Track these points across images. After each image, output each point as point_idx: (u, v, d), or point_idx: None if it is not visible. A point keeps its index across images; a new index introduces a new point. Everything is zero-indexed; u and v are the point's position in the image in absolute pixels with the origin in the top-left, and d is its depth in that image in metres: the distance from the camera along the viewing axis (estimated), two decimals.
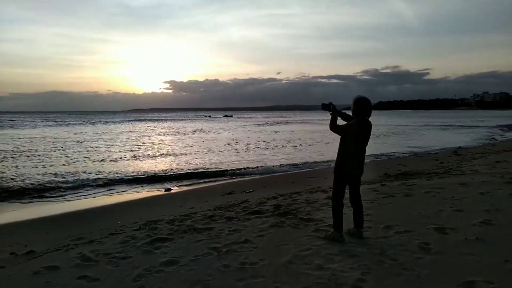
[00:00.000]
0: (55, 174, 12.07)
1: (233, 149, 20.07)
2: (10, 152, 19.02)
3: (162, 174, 12.30)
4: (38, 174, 12.16)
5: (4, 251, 5.05)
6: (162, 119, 69.49)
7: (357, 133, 4.14)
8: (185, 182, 11.06)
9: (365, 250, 3.95)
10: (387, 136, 29.43)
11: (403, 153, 17.05)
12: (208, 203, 7.57)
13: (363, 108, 4.13)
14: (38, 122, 62.49)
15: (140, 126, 49.47)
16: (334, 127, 4.16)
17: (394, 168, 11.20)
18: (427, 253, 3.83)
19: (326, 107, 4.24)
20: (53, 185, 10.15)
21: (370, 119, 4.21)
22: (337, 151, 4.29)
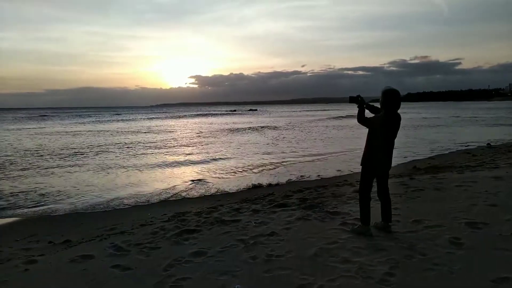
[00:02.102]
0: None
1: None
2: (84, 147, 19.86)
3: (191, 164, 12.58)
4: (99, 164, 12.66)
5: (42, 240, 5.33)
6: (201, 114, 66.85)
7: (385, 125, 4.06)
8: (214, 174, 11.22)
9: (393, 244, 3.90)
10: (416, 128, 28.61)
11: (434, 147, 16.54)
12: (234, 196, 7.66)
13: (392, 100, 4.04)
14: (97, 117, 64.60)
15: (188, 122, 47.13)
16: (362, 119, 4.12)
17: (424, 162, 10.92)
18: (458, 248, 3.74)
19: (354, 99, 4.21)
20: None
21: (399, 111, 4.12)
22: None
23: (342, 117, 50.40)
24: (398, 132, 4.15)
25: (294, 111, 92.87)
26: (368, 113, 4.21)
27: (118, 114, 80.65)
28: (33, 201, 8.09)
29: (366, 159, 4.18)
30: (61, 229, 5.99)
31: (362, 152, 4.26)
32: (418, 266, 3.38)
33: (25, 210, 7.41)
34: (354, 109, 4.43)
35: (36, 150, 17.94)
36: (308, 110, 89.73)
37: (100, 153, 16.66)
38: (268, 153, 15.70)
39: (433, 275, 3.20)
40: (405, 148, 15.35)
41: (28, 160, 14.69)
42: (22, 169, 12.36)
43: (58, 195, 8.63)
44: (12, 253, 4.66)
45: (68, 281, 3.47)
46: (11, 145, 20.91)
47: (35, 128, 37.68)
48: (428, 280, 3.13)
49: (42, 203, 7.91)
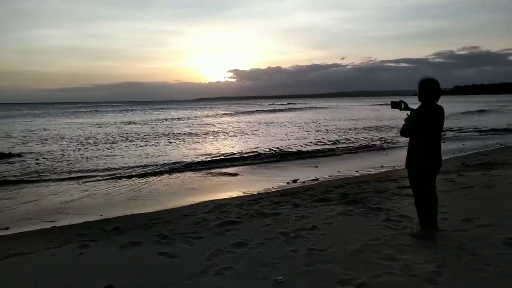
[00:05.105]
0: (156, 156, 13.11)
1: None
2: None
3: (229, 157, 12.81)
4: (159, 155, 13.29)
5: (94, 226, 5.66)
6: (254, 111, 58.02)
7: (425, 120, 3.73)
8: (251, 167, 11.33)
9: (440, 242, 3.77)
10: (460, 120, 27.10)
11: (483, 142, 15.58)
12: (274, 190, 7.70)
13: (430, 89, 3.72)
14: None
15: (250, 118, 41.27)
16: (405, 134, 3.83)
17: (474, 158, 10.35)
18: None
19: (396, 105, 3.89)
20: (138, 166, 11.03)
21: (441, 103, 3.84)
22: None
23: None
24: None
25: (352, 105, 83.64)
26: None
27: (175, 109, 78.75)
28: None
29: (409, 160, 3.90)
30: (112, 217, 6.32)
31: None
32: (468, 266, 3.24)
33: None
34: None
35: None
36: (367, 104, 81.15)
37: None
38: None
39: (484, 276, 3.06)
40: (452, 142, 14.62)
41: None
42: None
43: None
44: (67, 237, 5.00)
45: (119, 265, 3.68)
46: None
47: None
48: (478, 281, 3.00)
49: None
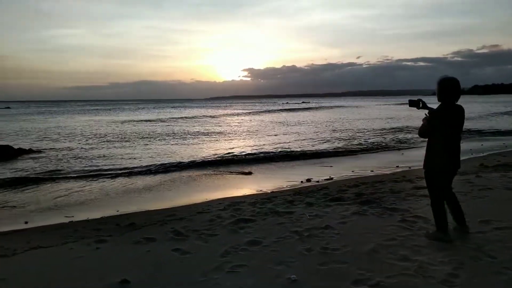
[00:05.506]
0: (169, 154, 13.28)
1: None
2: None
3: (242, 157, 12.83)
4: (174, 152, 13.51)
5: (110, 222, 5.76)
6: (269, 110, 56.13)
7: (445, 120, 3.64)
8: (265, 166, 11.33)
9: (457, 244, 3.70)
10: (479, 121, 26.49)
11: (503, 143, 15.19)
12: (287, 188, 7.69)
13: (449, 89, 3.63)
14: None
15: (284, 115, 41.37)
16: (424, 135, 3.76)
17: (492, 158, 10.11)
18: None
19: (414, 103, 3.83)
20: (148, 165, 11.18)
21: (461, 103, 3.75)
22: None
23: None
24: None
25: (378, 104, 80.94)
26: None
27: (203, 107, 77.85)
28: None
29: (427, 162, 3.82)
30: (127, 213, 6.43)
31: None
32: (486, 269, 3.17)
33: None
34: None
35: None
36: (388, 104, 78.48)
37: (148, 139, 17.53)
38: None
39: (503, 279, 2.99)
40: (469, 142, 14.32)
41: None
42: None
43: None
44: (84, 232, 5.10)
45: (134, 260, 3.74)
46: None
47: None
48: (497, 284, 2.93)
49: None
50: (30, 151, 14.45)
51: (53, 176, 9.98)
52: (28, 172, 10.52)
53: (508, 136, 17.63)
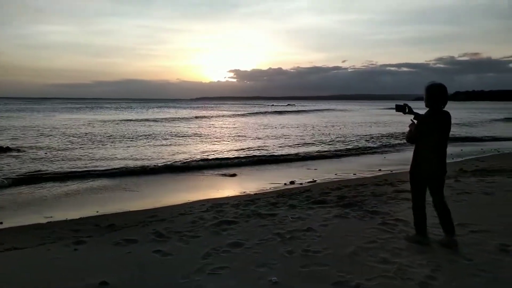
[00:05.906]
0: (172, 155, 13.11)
1: None
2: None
3: (229, 159, 12.79)
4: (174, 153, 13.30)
5: (89, 222, 5.64)
6: (254, 113, 52.55)
7: (432, 126, 3.69)
8: (249, 168, 11.32)
9: (435, 247, 3.77)
10: (459, 127, 27.15)
11: (481, 149, 15.63)
12: (271, 191, 7.70)
13: (437, 95, 3.67)
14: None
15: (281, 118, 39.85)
16: (412, 140, 3.80)
17: (471, 163, 10.37)
18: (507, 255, 3.55)
19: (400, 108, 3.90)
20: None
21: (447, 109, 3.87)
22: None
23: None
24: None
25: (362, 108, 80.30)
26: None
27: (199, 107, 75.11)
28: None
29: (413, 166, 3.86)
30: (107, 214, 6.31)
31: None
32: (463, 271, 3.25)
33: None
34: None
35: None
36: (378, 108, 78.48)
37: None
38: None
39: (479, 281, 3.07)
40: (450, 147, 14.65)
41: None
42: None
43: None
44: (62, 233, 4.98)
45: (114, 262, 3.67)
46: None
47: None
48: (473, 286, 3.00)
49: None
50: (7, 149, 14.04)
51: (31, 174, 9.73)
52: (5, 171, 10.22)
53: (486, 142, 18.18)
